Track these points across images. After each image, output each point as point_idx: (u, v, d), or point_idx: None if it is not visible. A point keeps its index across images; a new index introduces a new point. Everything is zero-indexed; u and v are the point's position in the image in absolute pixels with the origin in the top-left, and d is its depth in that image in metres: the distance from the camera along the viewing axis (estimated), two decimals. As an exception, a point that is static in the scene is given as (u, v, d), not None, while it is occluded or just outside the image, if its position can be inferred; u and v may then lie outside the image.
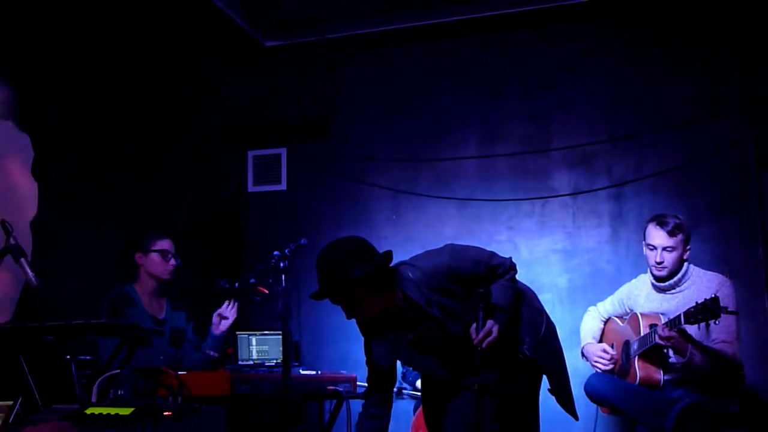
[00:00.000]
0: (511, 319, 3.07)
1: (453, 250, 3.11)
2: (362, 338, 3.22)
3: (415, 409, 4.74)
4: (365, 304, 2.92)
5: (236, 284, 4.18)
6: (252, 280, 4.09)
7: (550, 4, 5.20)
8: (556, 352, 3.25)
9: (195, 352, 4.28)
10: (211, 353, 4.26)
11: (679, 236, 3.98)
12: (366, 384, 3.25)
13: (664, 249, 3.98)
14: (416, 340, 3.12)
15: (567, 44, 5.41)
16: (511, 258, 3.18)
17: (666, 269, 4.00)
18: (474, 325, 2.94)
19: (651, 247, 4.03)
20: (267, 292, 4.07)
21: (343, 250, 2.91)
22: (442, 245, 3.17)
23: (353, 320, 3.07)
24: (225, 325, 4.28)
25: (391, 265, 2.97)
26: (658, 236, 4.00)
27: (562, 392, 3.21)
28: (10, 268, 3.25)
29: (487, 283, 3.03)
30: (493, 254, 3.15)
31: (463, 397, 3.17)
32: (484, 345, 2.91)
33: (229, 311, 4.29)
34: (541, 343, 3.17)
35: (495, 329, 2.94)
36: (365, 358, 3.21)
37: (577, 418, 3.26)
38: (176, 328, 4.28)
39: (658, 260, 3.99)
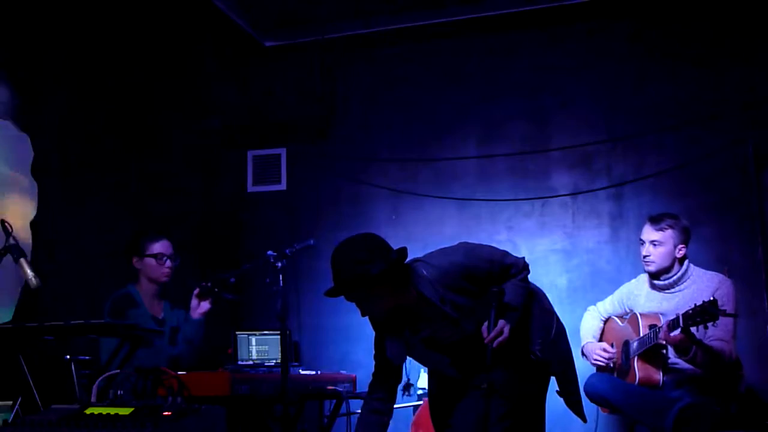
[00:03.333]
0: (523, 319, 3.07)
1: (468, 248, 3.11)
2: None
3: (414, 409, 4.74)
4: (380, 302, 2.92)
5: (209, 284, 4.16)
6: (232, 279, 4.06)
7: (550, 4, 5.20)
8: (566, 353, 3.24)
9: (185, 345, 4.26)
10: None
11: (668, 232, 4.00)
12: (371, 378, 3.22)
13: (651, 243, 4.02)
14: (429, 338, 3.11)
15: (567, 44, 5.41)
16: (524, 258, 3.18)
17: (653, 264, 4.02)
18: (485, 323, 2.94)
19: (641, 242, 4.08)
20: (233, 298, 4.12)
21: (358, 247, 2.89)
22: (445, 245, 3.16)
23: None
24: (203, 307, 4.19)
25: (405, 262, 2.96)
26: (647, 231, 4.06)
27: (571, 394, 3.20)
28: (10, 268, 3.25)
29: (500, 283, 3.03)
30: (506, 253, 3.15)
31: (471, 396, 3.16)
32: (494, 344, 2.91)
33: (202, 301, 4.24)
34: (552, 344, 3.17)
35: (506, 329, 2.94)
36: (374, 352, 3.19)
37: (585, 420, 3.25)
38: (176, 327, 4.27)
39: (644, 254, 4.03)
